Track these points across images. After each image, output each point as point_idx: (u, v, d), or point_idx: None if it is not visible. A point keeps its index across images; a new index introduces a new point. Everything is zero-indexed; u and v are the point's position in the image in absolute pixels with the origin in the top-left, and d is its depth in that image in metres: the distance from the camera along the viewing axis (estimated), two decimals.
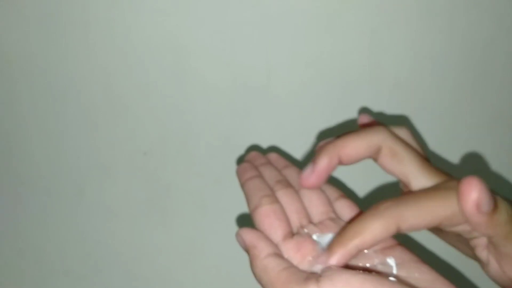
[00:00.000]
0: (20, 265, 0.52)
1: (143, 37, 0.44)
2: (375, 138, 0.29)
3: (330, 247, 0.26)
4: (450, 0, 0.45)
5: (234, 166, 0.48)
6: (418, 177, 0.29)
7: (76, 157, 0.48)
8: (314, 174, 0.30)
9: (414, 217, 0.25)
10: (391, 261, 0.26)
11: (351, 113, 0.48)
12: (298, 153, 0.49)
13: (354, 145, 0.29)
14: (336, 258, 0.25)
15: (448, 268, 0.51)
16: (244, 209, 0.49)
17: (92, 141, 0.47)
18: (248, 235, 0.27)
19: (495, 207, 0.24)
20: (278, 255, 0.26)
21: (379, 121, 0.34)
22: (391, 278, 0.23)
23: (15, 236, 0.51)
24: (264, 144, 0.48)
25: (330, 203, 0.31)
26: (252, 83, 0.46)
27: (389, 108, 0.48)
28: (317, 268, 0.26)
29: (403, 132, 0.32)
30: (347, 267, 0.25)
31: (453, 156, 0.50)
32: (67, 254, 0.52)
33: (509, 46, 0.47)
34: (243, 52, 0.45)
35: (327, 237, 0.28)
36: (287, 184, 0.32)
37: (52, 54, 0.45)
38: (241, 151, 0.48)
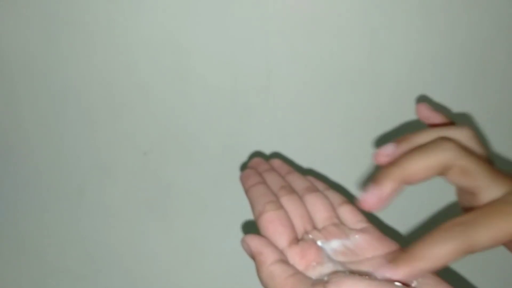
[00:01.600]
0: (20, 265, 0.52)
1: (143, 37, 0.44)
2: (443, 157, 0.27)
3: (394, 260, 0.25)
4: (450, 0, 0.45)
5: (234, 166, 0.48)
6: (489, 189, 0.27)
7: (76, 157, 0.48)
8: (378, 198, 0.28)
9: (485, 237, 0.24)
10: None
11: (351, 113, 0.48)
12: (298, 153, 0.49)
13: (421, 167, 0.27)
14: (400, 274, 0.24)
15: (452, 275, 0.51)
16: (244, 209, 0.49)
17: (92, 141, 0.47)
18: (254, 241, 0.27)
19: None
20: (284, 261, 0.26)
21: (440, 115, 0.33)
22: (397, 284, 0.23)
23: (15, 236, 0.51)
24: (264, 144, 0.48)
25: (333, 209, 0.31)
26: (252, 83, 0.46)
27: (389, 108, 0.48)
28: (323, 272, 0.26)
29: (466, 135, 0.30)
30: (353, 272, 0.25)
31: None
32: (67, 254, 0.52)
33: (509, 46, 0.47)
34: (243, 52, 0.45)
35: (331, 244, 0.28)
36: (291, 190, 0.32)
37: (52, 54, 0.45)
38: (241, 151, 0.48)
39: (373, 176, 0.29)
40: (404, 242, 0.27)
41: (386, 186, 0.28)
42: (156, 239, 0.51)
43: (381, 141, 0.48)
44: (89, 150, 0.48)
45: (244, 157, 0.48)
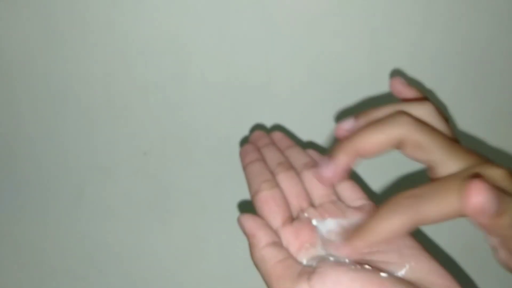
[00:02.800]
0: (20, 265, 0.52)
1: (143, 37, 0.44)
2: (396, 132, 0.28)
3: (345, 238, 0.26)
4: (450, 0, 0.45)
5: (234, 166, 0.48)
6: (445, 163, 0.27)
7: (76, 158, 0.48)
8: (332, 171, 0.29)
9: (434, 211, 0.24)
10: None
11: (351, 113, 0.48)
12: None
13: (374, 141, 0.28)
14: (347, 250, 0.25)
15: (448, 260, 0.51)
16: (244, 209, 0.49)
17: (92, 141, 0.47)
18: (248, 222, 0.27)
19: (501, 210, 0.23)
20: (277, 244, 0.26)
21: (412, 88, 0.33)
22: (383, 274, 0.23)
23: (15, 236, 0.51)
24: None
25: (331, 185, 0.30)
26: (252, 83, 0.46)
27: None
28: (315, 254, 0.26)
29: (426, 110, 0.30)
30: (341, 263, 0.24)
31: None
32: (67, 254, 0.52)
33: (509, 46, 0.47)
34: (243, 52, 0.45)
35: (326, 223, 0.28)
36: (289, 166, 0.31)
37: (51, 54, 0.45)
38: None
39: (330, 150, 0.29)
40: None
41: (339, 159, 0.28)
42: (156, 239, 0.51)
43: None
44: (89, 150, 0.48)
45: None
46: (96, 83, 0.46)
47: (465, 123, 0.49)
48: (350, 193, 0.30)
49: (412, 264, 0.24)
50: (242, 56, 0.45)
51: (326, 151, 0.48)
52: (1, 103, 0.46)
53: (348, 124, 0.31)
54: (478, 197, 0.22)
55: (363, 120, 0.31)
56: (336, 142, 0.30)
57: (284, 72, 0.46)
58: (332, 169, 0.29)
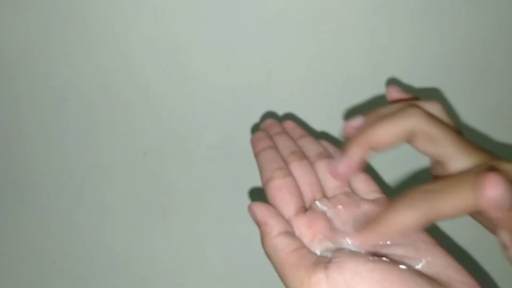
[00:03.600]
0: (20, 265, 0.52)
1: (143, 37, 0.44)
2: (408, 123, 0.28)
3: (358, 229, 0.25)
4: (450, 0, 0.45)
5: (234, 166, 0.48)
6: (456, 158, 0.28)
7: (76, 157, 0.48)
8: (346, 166, 0.28)
9: (449, 207, 0.23)
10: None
11: (351, 113, 0.48)
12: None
13: (386, 133, 0.28)
14: (359, 241, 0.24)
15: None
16: (244, 209, 0.49)
17: (92, 141, 0.47)
18: (260, 210, 0.27)
19: None
20: (289, 233, 0.26)
21: (409, 95, 0.32)
22: (402, 266, 0.22)
23: (15, 236, 0.51)
24: None
25: (346, 179, 0.30)
26: (252, 83, 0.46)
27: None
28: (329, 246, 0.25)
29: (435, 108, 0.30)
30: (356, 254, 0.24)
31: None
32: (67, 254, 0.52)
33: (509, 46, 0.47)
34: (243, 52, 0.45)
35: (340, 214, 0.27)
36: (302, 155, 0.31)
37: (52, 54, 0.45)
38: (241, 151, 0.48)
39: (342, 147, 0.29)
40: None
41: (353, 153, 0.28)
42: (156, 239, 0.51)
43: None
44: (89, 150, 0.48)
45: (244, 157, 0.48)
46: (96, 83, 0.46)
47: (465, 123, 0.49)
48: (364, 186, 0.29)
49: (428, 259, 0.24)
50: (242, 56, 0.45)
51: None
52: (1, 103, 0.46)
53: (357, 122, 0.31)
54: (494, 190, 0.22)
55: (373, 117, 0.31)
56: (345, 140, 0.30)
57: (284, 72, 0.46)
58: (345, 163, 0.28)
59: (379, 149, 0.28)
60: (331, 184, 0.29)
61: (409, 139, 0.28)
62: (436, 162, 0.29)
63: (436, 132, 0.28)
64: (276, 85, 0.46)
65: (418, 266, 0.23)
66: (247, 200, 0.49)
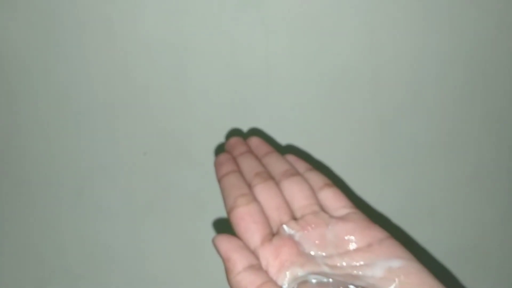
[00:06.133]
0: (20, 265, 0.52)
1: (143, 37, 0.44)
2: None
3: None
4: (450, 0, 0.45)
5: None
6: None
7: (76, 157, 0.48)
8: None
9: None
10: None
11: (351, 113, 0.48)
12: (298, 153, 0.49)
13: None
14: None
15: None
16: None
17: (92, 141, 0.47)
18: (223, 245, 0.25)
19: None
20: (254, 267, 0.24)
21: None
22: None
23: (15, 236, 0.51)
24: None
25: (313, 194, 0.29)
26: (252, 83, 0.46)
27: (389, 108, 0.48)
28: (297, 273, 0.24)
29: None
30: (323, 284, 0.23)
31: (453, 156, 0.50)
32: (67, 254, 0.52)
33: (509, 46, 0.47)
34: (243, 52, 0.45)
35: (308, 237, 0.26)
36: (267, 176, 0.29)
37: (51, 54, 0.45)
38: None
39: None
40: (394, 229, 0.26)
41: None
42: (155, 239, 0.51)
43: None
44: (89, 150, 0.48)
45: None
46: (96, 83, 0.46)
47: (465, 123, 0.49)
48: (333, 202, 0.28)
49: (401, 278, 0.23)
50: (242, 55, 0.45)
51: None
52: (1, 103, 0.46)
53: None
54: None
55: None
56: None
57: (284, 72, 0.46)
58: None
59: None
60: (299, 204, 0.28)
61: None
62: None
63: None
64: (276, 86, 0.46)
65: (391, 287, 0.23)
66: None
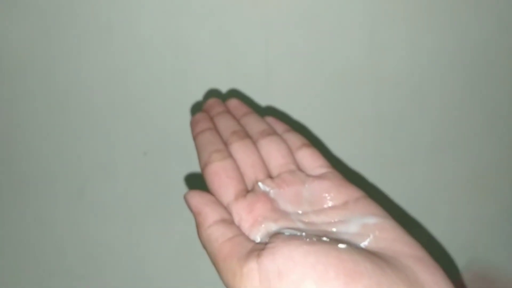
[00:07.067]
0: (20, 265, 0.52)
1: (143, 37, 0.44)
2: None
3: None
4: (450, 0, 0.45)
5: None
6: None
7: (76, 157, 0.48)
8: None
9: None
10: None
11: (351, 113, 0.48)
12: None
13: None
14: None
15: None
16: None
17: (92, 141, 0.47)
18: (194, 199, 0.25)
19: None
20: (226, 221, 0.24)
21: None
22: (341, 245, 0.20)
23: (15, 236, 0.51)
24: None
25: (290, 153, 0.28)
26: (252, 83, 0.46)
27: (389, 108, 0.48)
28: (271, 228, 0.23)
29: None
30: (296, 237, 0.22)
31: (453, 156, 0.50)
32: (67, 254, 0.52)
33: (509, 46, 0.47)
34: (242, 52, 0.45)
35: (284, 194, 0.25)
36: (244, 135, 0.29)
37: (52, 54, 0.45)
38: None
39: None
40: (371, 189, 0.25)
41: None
42: (156, 239, 0.51)
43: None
44: (89, 150, 0.48)
45: None
46: (96, 83, 0.46)
47: (465, 123, 0.49)
48: (311, 161, 0.28)
49: (376, 234, 0.22)
50: (242, 55, 0.45)
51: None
52: (1, 103, 0.46)
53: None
54: None
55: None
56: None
57: (284, 72, 0.46)
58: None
59: None
60: (275, 163, 0.27)
61: None
62: None
63: None
64: (276, 85, 0.46)
65: (365, 243, 0.22)
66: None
